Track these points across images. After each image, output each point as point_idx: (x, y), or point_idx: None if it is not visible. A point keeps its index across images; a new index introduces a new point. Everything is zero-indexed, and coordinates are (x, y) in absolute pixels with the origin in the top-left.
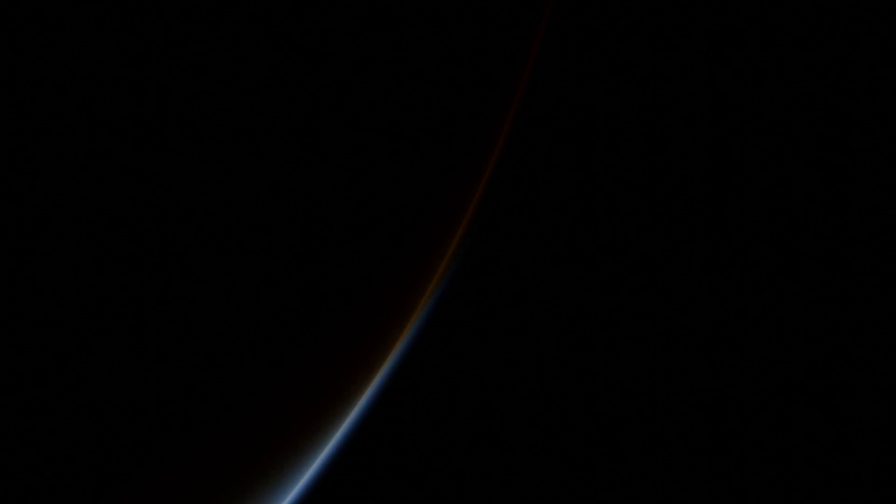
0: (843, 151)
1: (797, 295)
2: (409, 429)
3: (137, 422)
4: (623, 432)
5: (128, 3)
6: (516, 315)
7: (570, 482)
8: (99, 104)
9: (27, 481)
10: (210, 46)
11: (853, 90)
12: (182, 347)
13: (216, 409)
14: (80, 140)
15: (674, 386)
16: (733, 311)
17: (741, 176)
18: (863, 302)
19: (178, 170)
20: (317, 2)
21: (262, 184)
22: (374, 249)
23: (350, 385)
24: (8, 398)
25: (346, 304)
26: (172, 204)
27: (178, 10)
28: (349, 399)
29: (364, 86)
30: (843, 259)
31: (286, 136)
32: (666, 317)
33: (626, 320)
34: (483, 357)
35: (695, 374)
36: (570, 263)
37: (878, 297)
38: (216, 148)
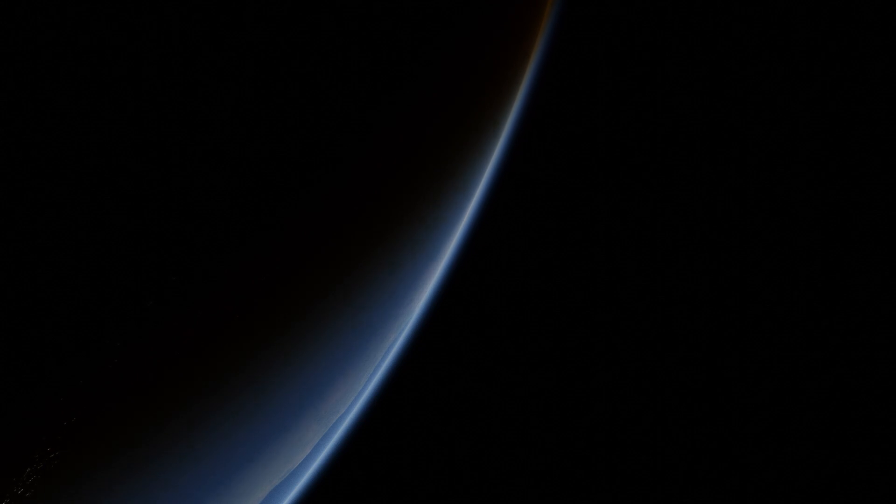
0: (844, 151)
1: (798, 295)
2: (409, 428)
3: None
4: (623, 432)
5: (128, 2)
6: (515, 317)
7: (569, 482)
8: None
9: None
10: (211, 47)
11: (853, 90)
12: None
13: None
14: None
15: (673, 386)
16: (734, 311)
17: (741, 174)
18: (863, 302)
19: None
20: (320, 1)
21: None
22: None
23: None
24: None
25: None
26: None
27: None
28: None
29: (365, 85)
30: (843, 259)
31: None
32: (668, 317)
33: (627, 320)
34: (483, 358)
35: (695, 373)
36: (571, 264)
37: (878, 297)
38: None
